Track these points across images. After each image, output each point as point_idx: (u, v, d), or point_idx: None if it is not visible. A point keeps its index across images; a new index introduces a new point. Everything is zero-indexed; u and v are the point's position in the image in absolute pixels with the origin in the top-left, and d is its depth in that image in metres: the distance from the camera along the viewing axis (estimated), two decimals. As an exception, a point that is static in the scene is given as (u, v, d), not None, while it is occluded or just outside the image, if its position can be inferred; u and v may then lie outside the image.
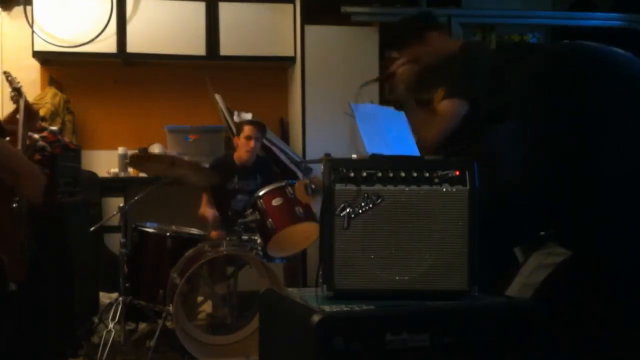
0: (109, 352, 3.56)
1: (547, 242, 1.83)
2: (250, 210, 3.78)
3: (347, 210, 1.71)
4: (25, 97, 2.47)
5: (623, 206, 1.75)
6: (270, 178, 4.46)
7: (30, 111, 2.43)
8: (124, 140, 5.24)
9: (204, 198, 4.42)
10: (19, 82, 2.54)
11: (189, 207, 4.68)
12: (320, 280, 1.73)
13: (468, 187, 1.72)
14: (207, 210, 4.32)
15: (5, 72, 2.67)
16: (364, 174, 1.73)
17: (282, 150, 5.00)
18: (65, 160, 3.88)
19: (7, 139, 2.17)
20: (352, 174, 1.73)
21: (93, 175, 4.96)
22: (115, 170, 5.13)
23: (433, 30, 2.72)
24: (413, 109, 2.54)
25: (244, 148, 4.42)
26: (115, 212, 3.94)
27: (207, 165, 4.53)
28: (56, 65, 5.21)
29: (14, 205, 2.00)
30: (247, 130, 4.45)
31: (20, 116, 2.37)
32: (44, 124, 4.05)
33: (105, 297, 4.31)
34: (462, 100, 2.41)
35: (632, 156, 1.75)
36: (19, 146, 2.26)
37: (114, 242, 4.50)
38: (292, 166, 4.99)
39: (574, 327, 1.75)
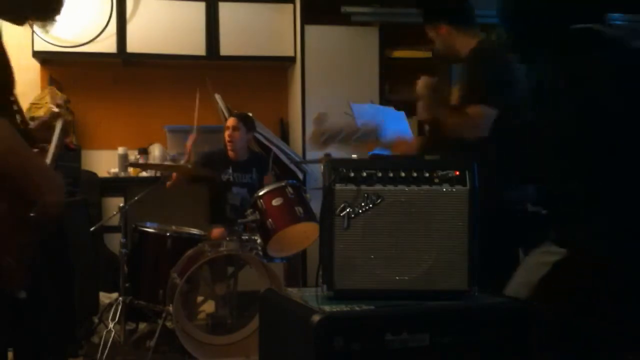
0: (109, 352, 3.56)
1: (544, 241, 1.83)
2: (250, 210, 3.78)
3: (347, 210, 1.71)
4: (64, 115, 2.49)
5: (622, 202, 1.74)
6: (267, 173, 4.46)
7: (65, 128, 2.46)
8: (124, 140, 5.24)
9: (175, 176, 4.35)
10: (60, 99, 2.56)
11: (189, 207, 4.69)
12: (320, 280, 1.73)
13: (468, 187, 1.72)
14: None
15: (50, 88, 2.68)
16: (364, 174, 1.73)
17: (281, 150, 5.00)
18: (65, 160, 3.88)
19: (36, 150, 2.18)
20: (352, 174, 1.73)
21: (93, 175, 4.96)
22: (115, 170, 5.12)
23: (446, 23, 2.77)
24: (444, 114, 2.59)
25: (227, 140, 4.44)
26: (115, 212, 3.94)
27: (199, 157, 4.53)
28: (56, 65, 5.21)
29: (32, 214, 1.99)
30: (228, 122, 4.49)
31: (56, 134, 2.38)
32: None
33: (105, 297, 4.31)
34: (491, 108, 2.53)
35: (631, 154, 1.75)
36: (49, 160, 2.27)
37: (114, 242, 4.50)
38: (292, 166, 4.99)
39: (572, 326, 1.75)
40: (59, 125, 2.42)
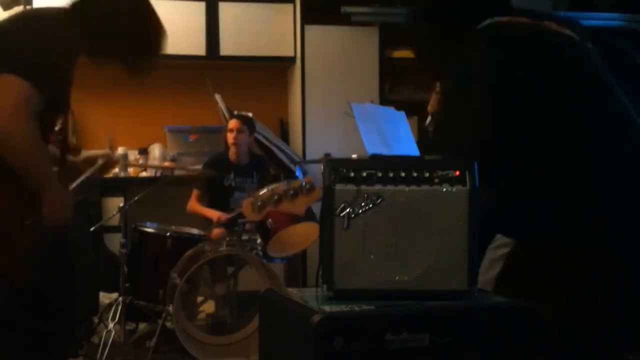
0: (109, 352, 3.56)
1: (496, 236, 1.84)
2: (251, 210, 3.77)
3: (347, 210, 1.71)
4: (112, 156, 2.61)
5: (622, 202, 1.74)
6: (267, 177, 4.48)
7: (105, 166, 2.58)
8: (124, 140, 5.24)
9: (195, 194, 4.42)
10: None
11: (189, 207, 4.69)
12: (320, 280, 1.73)
13: (468, 187, 1.72)
14: (208, 211, 4.32)
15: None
16: (364, 174, 1.73)
17: (281, 150, 5.01)
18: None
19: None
20: (352, 174, 1.73)
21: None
22: (115, 170, 5.12)
23: None
24: None
25: (230, 142, 4.46)
26: (115, 212, 3.94)
27: (203, 164, 4.55)
28: (56, 65, 5.20)
29: (27, 222, 2.03)
30: (230, 124, 4.51)
31: (94, 167, 2.47)
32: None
33: (105, 297, 4.32)
34: None
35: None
36: (73, 185, 2.33)
37: (114, 242, 4.50)
38: (292, 166, 4.99)
39: (586, 325, 1.74)
40: (100, 162, 2.51)
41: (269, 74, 5.56)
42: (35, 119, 2.01)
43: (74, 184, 2.39)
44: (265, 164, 4.67)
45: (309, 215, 3.77)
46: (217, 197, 4.46)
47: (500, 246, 1.82)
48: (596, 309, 1.73)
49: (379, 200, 1.72)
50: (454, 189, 1.73)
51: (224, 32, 5.19)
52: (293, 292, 1.86)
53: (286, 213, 3.67)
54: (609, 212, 1.72)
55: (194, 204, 4.39)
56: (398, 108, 3.69)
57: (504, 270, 1.79)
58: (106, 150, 2.63)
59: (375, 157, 1.84)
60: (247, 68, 5.45)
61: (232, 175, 4.45)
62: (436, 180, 1.73)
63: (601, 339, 1.74)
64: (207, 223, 4.42)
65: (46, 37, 2.14)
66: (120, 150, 5.15)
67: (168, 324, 3.73)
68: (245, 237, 3.80)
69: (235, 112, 4.92)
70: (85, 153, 2.64)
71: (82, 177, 2.44)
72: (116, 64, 2.29)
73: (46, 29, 2.16)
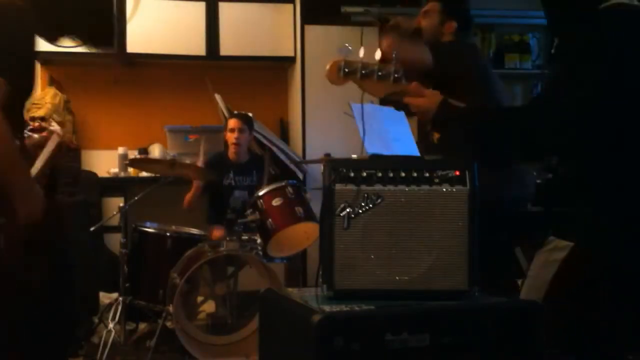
0: (109, 352, 3.56)
1: (549, 238, 1.82)
2: (250, 210, 3.78)
3: (347, 210, 1.71)
4: (61, 133, 2.49)
5: (623, 199, 1.73)
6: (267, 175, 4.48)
7: (61, 148, 2.47)
8: (124, 140, 5.24)
9: (195, 186, 4.40)
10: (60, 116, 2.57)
11: (189, 207, 4.69)
12: (320, 280, 1.73)
13: (468, 187, 1.73)
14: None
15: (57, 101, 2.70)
16: (364, 174, 1.73)
17: (281, 150, 5.00)
18: (65, 160, 3.88)
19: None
20: (352, 174, 1.73)
21: (93, 175, 4.96)
22: (115, 170, 5.12)
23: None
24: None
25: (230, 141, 4.46)
26: (115, 212, 3.94)
27: (203, 164, 4.55)
28: (56, 65, 5.20)
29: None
30: (230, 123, 4.51)
31: (46, 151, 2.38)
32: (44, 124, 4.05)
33: (105, 297, 4.32)
34: None
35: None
36: (34, 171, 2.27)
37: (114, 242, 4.50)
38: (292, 166, 4.99)
39: (586, 324, 1.73)
40: (52, 144, 2.42)
41: (269, 74, 5.56)
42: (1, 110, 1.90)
43: (34, 172, 2.31)
44: (264, 163, 4.67)
45: (309, 215, 3.77)
46: (216, 196, 4.46)
47: (556, 249, 1.79)
48: (596, 309, 1.73)
49: (379, 200, 1.72)
50: (454, 189, 1.73)
51: (224, 32, 5.19)
52: (293, 292, 1.87)
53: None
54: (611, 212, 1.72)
55: (190, 195, 4.39)
56: (398, 108, 3.69)
57: (559, 273, 1.76)
58: (55, 130, 2.54)
59: (375, 157, 1.84)
60: (247, 68, 5.45)
61: (231, 174, 4.45)
62: (436, 180, 1.73)
63: (601, 339, 1.74)
64: (207, 223, 4.43)
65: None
66: (120, 150, 5.16)
67: (168, 324, 3.73)
68: (245, 237, 3.80)
69: (235, 112, 4.92)
70: (34, 140, 2.53)
71: (40, 165, 2.35)
72: (71, 39, 2.19)
73: None
